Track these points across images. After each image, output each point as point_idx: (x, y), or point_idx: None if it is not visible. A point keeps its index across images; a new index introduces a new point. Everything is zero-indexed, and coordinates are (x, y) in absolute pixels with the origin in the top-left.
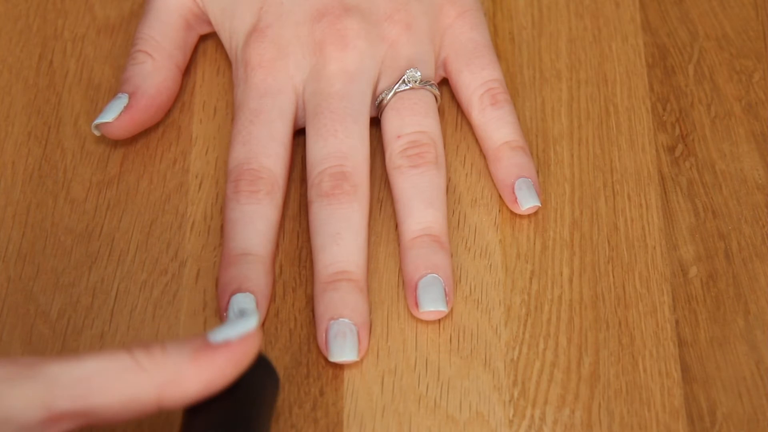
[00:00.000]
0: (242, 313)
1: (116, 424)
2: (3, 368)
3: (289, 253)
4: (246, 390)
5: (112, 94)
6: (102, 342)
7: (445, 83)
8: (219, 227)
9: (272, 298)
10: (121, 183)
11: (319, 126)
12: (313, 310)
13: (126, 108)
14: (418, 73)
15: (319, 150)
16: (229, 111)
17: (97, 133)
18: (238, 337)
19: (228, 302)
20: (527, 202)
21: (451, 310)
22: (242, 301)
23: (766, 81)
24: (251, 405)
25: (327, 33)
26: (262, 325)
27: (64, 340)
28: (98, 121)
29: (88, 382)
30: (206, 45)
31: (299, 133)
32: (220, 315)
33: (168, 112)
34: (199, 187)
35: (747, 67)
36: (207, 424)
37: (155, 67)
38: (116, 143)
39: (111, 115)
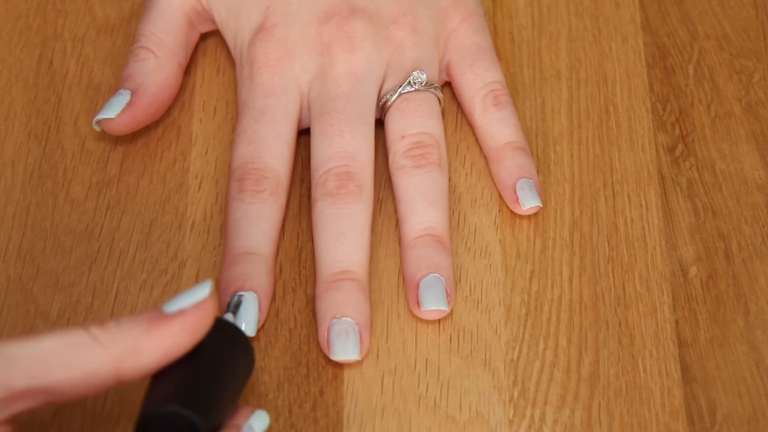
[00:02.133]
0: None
1: (78, 399)
2: None
3: (289, 253)
4: (210, 355)
5: (112, 93)
6: None
7: (446, 86)
8: (219, 227)
9: (273, 298)
10: (121, 183)
11: (325, 126)
12: (314, 310)
13: (128, 105)
14: (424, 75)
15: (324, 150)
16: (229, 111)
17: (97, 128)
18: (192, 305)
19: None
20: (528, 202)
21: (451, 310)
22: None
23: (766, 81)
24: (216, 370)
25: (334, 34)
26: (263, 325)
27: None
28: (100, 116)
29: (45, 360)
30: (206, 44)
31: (299, 134)
32: (223, 313)
33: (168, 111)
34: (199, 187)
35: (747, 67)
36: (169, 386)
37: (157, 65)
38: (116, 143)
39: (113, 111)
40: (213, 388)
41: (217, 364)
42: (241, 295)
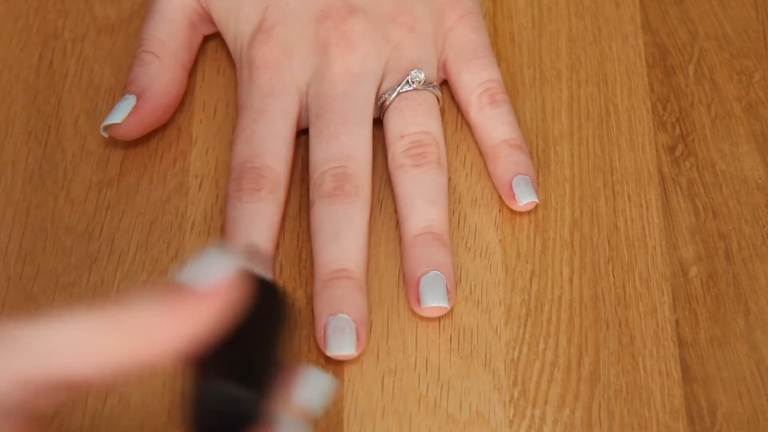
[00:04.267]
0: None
1: (100, 390)
2: None
3: (289, 253)
4: (248, 319)
5: (112, 94)
6: None
7: (444, 84)
8: (219, 227)
9: None
10: (121, 183)
11: (322, 128)
12: (312, 309)
13: (134, 109)
14: (422, 74)
15: (321, 152)
16: (230, 111)
17: (105, 134)
18: (218, 284)
19: None
20: (525, 198)
21: (451, 310)
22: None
23: (766, 81)
24: (258, 332)
25: (331, 34)
26: None
27: None
28: (107, 122)
29: (62, 348)
30: (206, 45)
31: (299, 134)
32: None
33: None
34: (199, 187)
35: (747, 67)
36: (216, 364)
37: (162, 68)
38: (116, 143)
39: (119, 116)
40: (261, 356)
41: (258, 326)
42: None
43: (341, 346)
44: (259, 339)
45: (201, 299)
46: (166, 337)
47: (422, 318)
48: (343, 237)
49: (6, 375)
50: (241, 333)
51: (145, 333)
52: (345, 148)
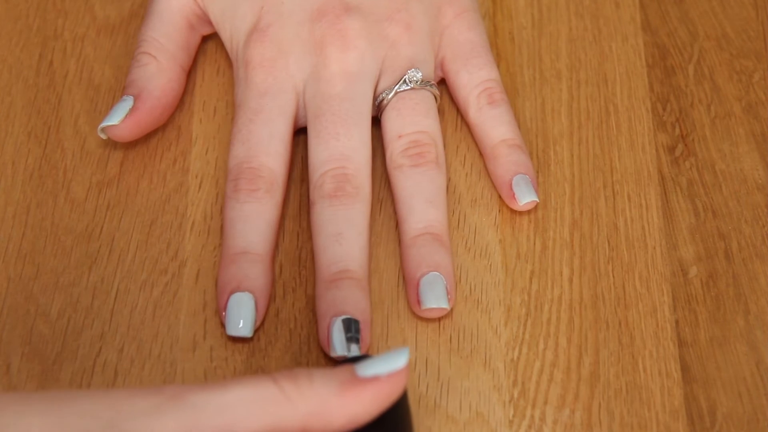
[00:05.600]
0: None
1: None
2: (148, 398)
3: (289, 253)
4: (389, 424)
5: (112, 94)
6: (102, 342)
7: (442, 83)
8: (219, 227)
9: (272, 298)
10: (121, 183)
11: (320, 128)
12: (314, 310)
13: (131, 110)
14: (420, 74)
15: (321, 152)
16: (229, 111)
17: (103, 136)
18: (388, 373)
19: (227, 301)
20: (525, 197)
21: (451, 310)
22: (241, 298)
23: (766, 81)
24: (403, 424)
25: (327, 33)
26: (262, 324)
27: (64, 340)
28: (104, 124)
29: (233, 412)
30: (206, 45)
31: (299, 133)
32: (220, 314)
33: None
34: (199, 187)
35: (747, 67)
36: None
37: (159, 69)
38: (116, 143)
39: (117, 117)
40: None
41: (404, 413)
42: (349, 318)
43: (346, 348)
44: (400, 420)
45: (374, 388)
46: (333, 416)
47: (422, 318)
48: (345, 238)
49: None
50: (387, 415)
51: (314, 409)
52: (345, 148)
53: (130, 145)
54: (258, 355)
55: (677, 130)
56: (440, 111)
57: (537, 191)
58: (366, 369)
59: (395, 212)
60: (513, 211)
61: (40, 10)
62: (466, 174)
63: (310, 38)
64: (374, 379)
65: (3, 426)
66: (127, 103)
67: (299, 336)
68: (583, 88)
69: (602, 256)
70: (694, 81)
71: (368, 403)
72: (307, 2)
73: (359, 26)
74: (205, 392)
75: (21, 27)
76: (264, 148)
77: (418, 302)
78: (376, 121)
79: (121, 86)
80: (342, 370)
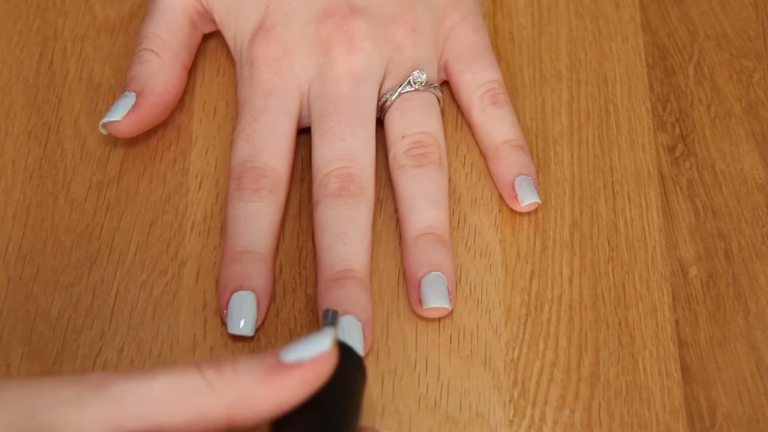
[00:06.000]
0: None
1: None
2: (71, 387)
3: (289, 253)
4: (333, 388)
5: (112, 94)
6: (102, 342)
7: (445, 85)
8: (219, 227)
9: (272, 297)
10: (121, 183)
11: (325, 128)
12: (314, 310)
13: (134, 107)
14: (424, 75)
15: (326, 152)
16: (230, 111)
17: (104, 131)
18: (312, 357)
19: (229, 300)
20: (527, 198)
21: (451, 310)
22: (243, 297)
23: (766, 81)
24: (340, 402)
25: (334, 34)
26: (262, 324)
27: (64, 340)
28: (106, 119)
29: (156, 401)
30: (206, 45)
31: (299, 133)
32: (221, 312)
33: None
34: (199, 187)
35: (747, 67)
36: (293, 430)
37: (162, 66)
38: (116, 143)
39: (119, 113)
40: (340, 425)
41: (341, 395)
42: (335, 311)
43: None
44: (336, 402)
45: (298, 373)
46: (258, 404)
47: (422, 318)
48: (348, 237)
49: (104, 423)
50: (319, 396)
51: (239, 397)
52: (350, 148)
53: (130, 145)
54: None
55: (677, 130)
56: (441, 112)
57: (539, 192)
58: (289, 354)
59: (397, 212)
60: (513, 212)
61: (40, 10)
62: (467, 174)
63: (316, 39)
64: (298, 364)
65: None
66: (129, 100)
67: (299, 336)
68: (583, 88)
69: (602, 256)
70: (694, 81)
71: (293, 389)
72: (313, 3)
73: (365, 28)
74: (128, 381)
75: (21, 27)
76: (268, 147)
77: (420, 302)
78: (379, 123)
79: (121, 86)
80: (267, 357)
